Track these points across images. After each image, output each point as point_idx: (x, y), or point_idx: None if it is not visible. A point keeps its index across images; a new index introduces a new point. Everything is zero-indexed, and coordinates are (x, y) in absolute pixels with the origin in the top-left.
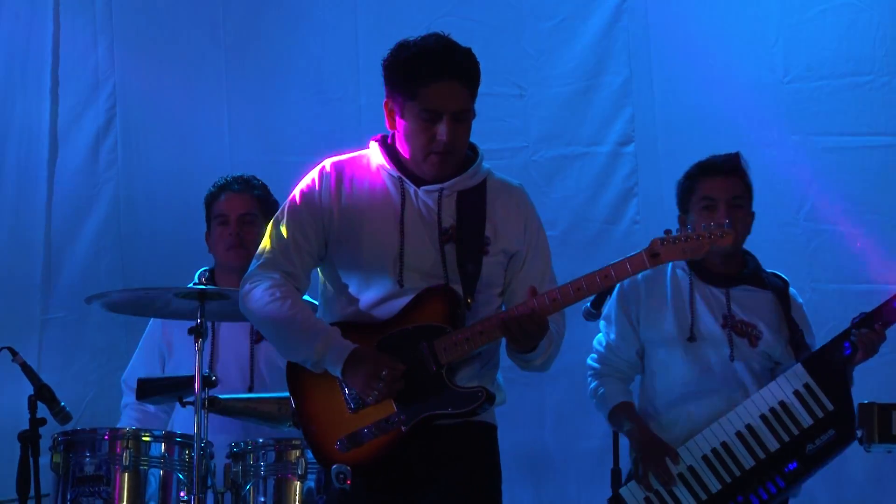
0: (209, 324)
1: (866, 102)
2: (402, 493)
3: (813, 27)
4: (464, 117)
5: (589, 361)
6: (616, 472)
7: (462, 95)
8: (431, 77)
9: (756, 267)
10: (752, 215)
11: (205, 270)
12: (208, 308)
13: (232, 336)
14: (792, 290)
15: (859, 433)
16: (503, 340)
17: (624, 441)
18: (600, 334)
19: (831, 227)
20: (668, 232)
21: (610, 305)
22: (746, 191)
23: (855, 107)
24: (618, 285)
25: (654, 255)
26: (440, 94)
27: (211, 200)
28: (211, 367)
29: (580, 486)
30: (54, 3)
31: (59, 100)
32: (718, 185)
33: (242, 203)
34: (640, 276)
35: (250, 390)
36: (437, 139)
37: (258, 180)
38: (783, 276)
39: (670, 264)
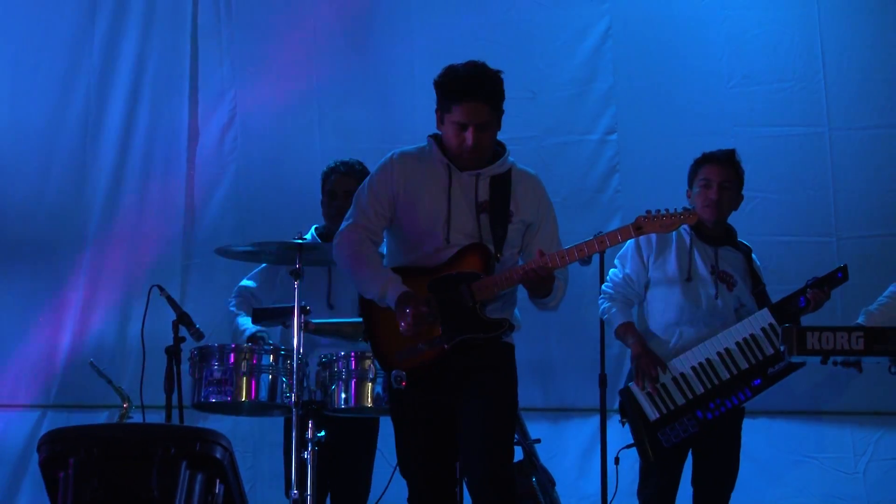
0: (327, 268)
1: (787, 102)
2: (444, 393)
3: (749, 47)
4: (487, 127)
5: (604, 287)
6: (603, 377)
7: (485, 111)
8: (462, 97)
9: (734, 235)
10: (740, 198)
11: (319, 226)
12: (315, 256)
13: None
14: (754, 255)
15: (783, 348)
16: (521, 286)
17: (609, 352)
18: (615, 269)
19: (762, 194)
20: (649, 211)
21: (627, 248)
22: (736, 177)
23: (779, 105)
24: None
25: (639, 227)
26: (468, 111)
27: (325, 177)
28: (329, 298)
29: (577, 386)
30: (192, 32)
31: (198, 103)
32: (714, 170)
33: (347, 182)
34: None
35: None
36: (465, 143)
37: (360, 164)
38: (748, 244)
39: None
